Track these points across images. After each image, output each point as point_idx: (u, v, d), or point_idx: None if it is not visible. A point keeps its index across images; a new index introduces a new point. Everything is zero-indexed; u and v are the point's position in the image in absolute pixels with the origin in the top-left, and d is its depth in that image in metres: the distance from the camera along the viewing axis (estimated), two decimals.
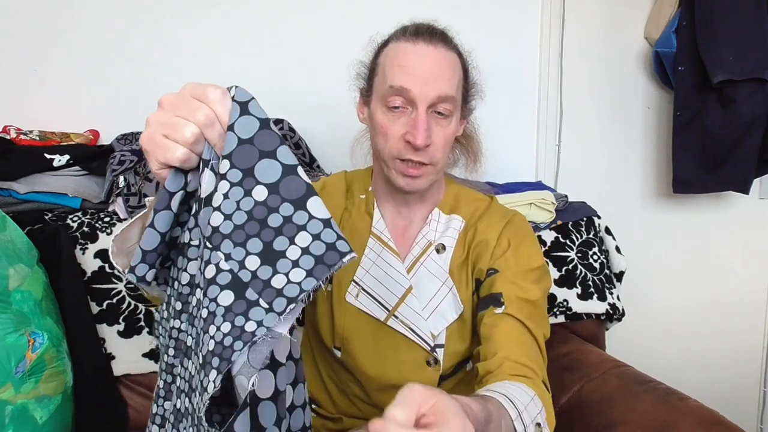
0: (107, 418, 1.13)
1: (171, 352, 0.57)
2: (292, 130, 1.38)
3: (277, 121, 1.36)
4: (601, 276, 1.44)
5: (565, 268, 1.42)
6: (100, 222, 1.22)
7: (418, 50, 0.83)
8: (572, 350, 1.30)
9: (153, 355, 1.18)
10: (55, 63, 1.38)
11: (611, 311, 1.42)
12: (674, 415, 0.96)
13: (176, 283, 0.56)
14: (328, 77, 1.51)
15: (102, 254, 1.19)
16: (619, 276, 1.51)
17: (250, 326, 0.45)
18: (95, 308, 1.17)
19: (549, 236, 1.44)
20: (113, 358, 1.16)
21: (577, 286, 1.41)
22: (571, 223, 1.46)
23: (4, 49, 1.35)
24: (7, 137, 1.27)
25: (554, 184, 1.67)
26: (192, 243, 0.53)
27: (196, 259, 0.53)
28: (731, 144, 1.51)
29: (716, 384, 1.81)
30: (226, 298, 0.46)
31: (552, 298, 1.40)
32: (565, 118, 1.67)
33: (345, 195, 0.97)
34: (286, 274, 0.46)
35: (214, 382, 0.44)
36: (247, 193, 0.47)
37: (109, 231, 1.21)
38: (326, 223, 0.48)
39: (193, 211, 0.53)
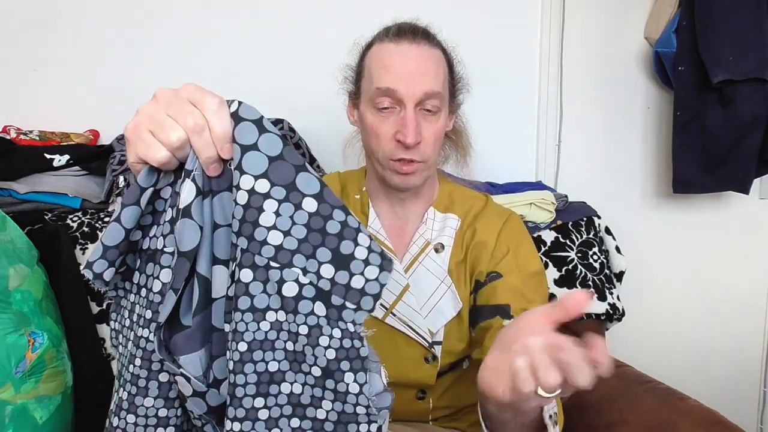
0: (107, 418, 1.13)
1: (138, 362, 0.52)
2: (292, 130, 1.38)
3: (277, 121, 1.36)
4: (601, 276, 1.44)
5: (565, 268, 1.42)
6: (100, 222, 1.22)
7: (401, 50, 0.84)
8: None
9: None
10: (55, 63, 1.38)
11: (611, 311, 1.42)
12: (674, 415, 0.96)
13: (143, 290, 0.53)
14: (328, 77, 1.51)
15: None
16: (619, 276, 1.51)
17: (351, 326, 0.49)
18: (95, 308, 1.17)
19: (549, 236, 1.44)
20: (113, 358, 1.17)
21: (577, 286, 1.41)
22: (571, 223, 1.46)
23: (4, 49, 1.35)
24: (7, 137, 1.27)
25: (554, 184, 1.67)
26: (166, 250, 0.51)
27: (169, 267, 0.51)
28: (731, 144, 1.51)
29: (716, 384, 1.81)
30: (321, 308, 0.49)
31: (552, 298, 1.40)
32: (565, 118, 1.67)
33: (340, 195, 0.98)
34: (362, 274, 0.49)
35: (359, 383, 0.49)
36: (298, 207, 0.48)
37: None
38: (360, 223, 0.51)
39: (169, 217, 0.51)
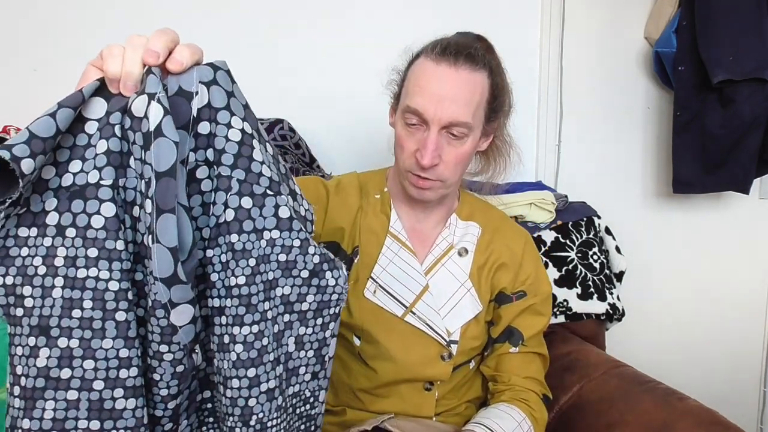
0: None
1: (87, 304, 0.51)
2: (292, 130, 1.38)
3: (277, 121, 1.36)
4: (601, 276, 1.44)
5: (565, 268, 1.42)
6: None
7: (438, 72, 0.85)
8: (572, 350, 1.30)
9: None
10: (55, 63, 1.38)
11: (611, 311, 1.42)
12: (674, 415, 0.96)
13: (71, 229, 0.51)
14: (329, 77, 1.52)
15: None
16: (619, 276, 1.51)
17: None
18: None
19: (549, 236, 1.44)
20: None
21: (577, 286, 1.41)
22: (571, 223, 1.46)
23: (4, 49, 1.35)
24: (7, 137, 1.27)
25: (554, 184, 1.67)
26: (103, 183, 0.51)
27: (111, 201, 0.51)
28: (731, 144, 1.51)
29: (716, 384, 1.81)
30: (304, 233, 0.59)
31: (552, 298, 1.40)
32: (565, 118, 1.67)
33: (359, 194, 1.00)
34: (302, 205, 0.61)
35: (335, 277, 0.63)
36: (265, 148, 0.57)
37: None
38: None
39: (104, 149, 0.52)
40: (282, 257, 0.58)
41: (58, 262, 0.51)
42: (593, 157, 1.72)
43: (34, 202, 0.52)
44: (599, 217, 1.51)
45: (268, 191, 0.56)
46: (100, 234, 0.51)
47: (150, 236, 0.50)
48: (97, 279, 0.51)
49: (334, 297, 0.63)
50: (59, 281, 0.51)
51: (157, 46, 0.50)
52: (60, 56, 1.38)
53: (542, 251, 1.42)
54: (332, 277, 0.62)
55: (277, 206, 0.56)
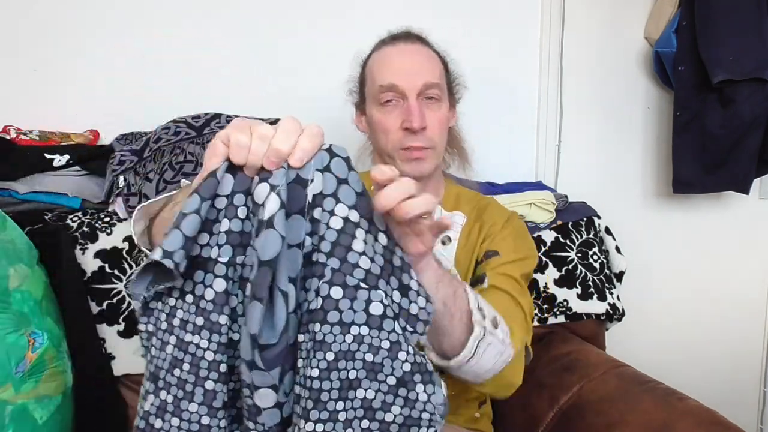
0: (107, 418, 1.13)
1: (186, 367, 0.55)
2: None
3: (277, 122, 1.37)
4: (601, 276, 1.44)
5: (565, 268, 1.42)
6: (100, 222, 1.22)
7: (398, 50, 0.93)
8: (572, 350, 1.29)
9: None
10: (55, 63, 1.38)
11: (611, 311, 1.42)
12: (674, 415, 0.96)
13: (189, 296, 0.56)
14: (329, 77, 1.51)
15: (102, 254, 1.19)
16: (619, 276, 1.51)
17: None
18: (95, 308, 1.17)
19: (549, 236, 1.44)
20: (113, 358, 1.17)
21: (577, 286, 1.41)
22: (571, 223, 1.46)
23: (4, 49, 1.35)
24: (7, 137, 1.27)
25: (554, 184, 1.67)
26: (220, 260, 0.55)
27: (223, 277, 0.55)
28: (731, 144, 1.51)
29: (716, 384, 1.81)
30: (399, 327, 0.56)
31: (552, 298, 1.40)
32: (565, 118, 1.67)
33: None
34: (416, 302, 0.57)
35: (427, 393, 0.57)
36: (376, 239, 0.56)
37: (109, 231, 1.21)
38: None
39: (225, 228, 0.55)
40: (368, 357, 0.55)
41: (175, 322, 0.56)
42: (593, 157, 1.72)
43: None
44: (599, 217, 1.51)
45: (362, 284, 0.54)
46: (208, 306, 0.55)
47: (242, 318, 0.54)
48: (197, 346, 0.55)
49: (425, 416, 0.56)
50: (173, 339, 0.56)
51: (283, 145, 0.52)
52: (60, 56, 1.38)
53: (542, 251, 1.42)
54: (424, 391, 0.56)
55: (369, 301, 0.54)
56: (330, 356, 0.53)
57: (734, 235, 1.82)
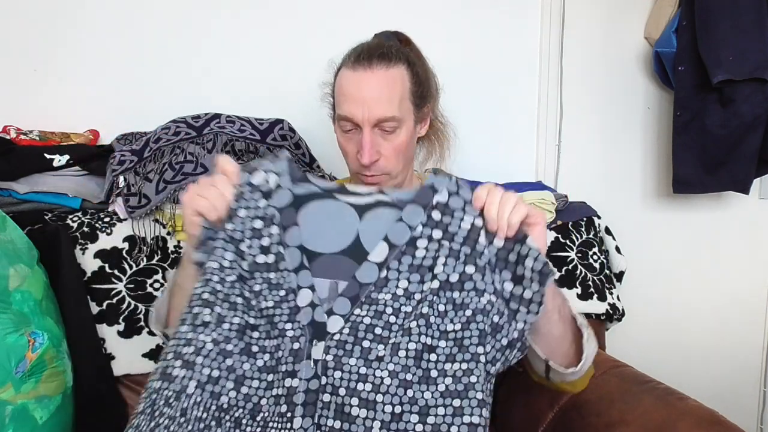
0: (107, 418, 1.13)
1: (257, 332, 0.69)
2: (292, 130, 1.38)
3: (277, 121, 1.36)
4: (601, 276, 1.44)
5: (565, 268, 1.42)
6: (100, 222, 1.22)
7: (356, 78, 0.92)
8: None
9: (153, 355, 1.18)
10: (55, 63, 1.38)
11: (611, 311, 1.42)
12: (674, 415, 0.96)
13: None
14: (329, 77, 1.51)
15: (102, 254, 1.19)
16: (619, 276, 1.51)
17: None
18: (95, 308, 1.17)
19: (549, 236, 1.43)
20: (113, 358, 1.16)
21: (577, 286, 1.41)
22: (571, 223, 1.46)
23: (4, 49, 1.35)
24: (7, 137, 1.27)
25: (554, 184, 1.67)
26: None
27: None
28: (731, 144, 1.51)
29: (716, 384, 1.81)
30: (512, 312, 0.71)
31: None
32: (565, 118, 1.67)
33: None
34: (529, 287, 0.71)
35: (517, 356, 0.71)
36: (491, 241, 0.74)
37: (109, 231, 1.21)
38: None
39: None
40: (495, 318, 0.68)
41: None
42: (593, 157, 1.72)
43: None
44: (599, 217, 1.51)
45: (488, 266, 0.69)
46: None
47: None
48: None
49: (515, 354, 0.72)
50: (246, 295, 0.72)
51: (514, 219, 0.71)
52: (60, 56, 1.38)
53: None
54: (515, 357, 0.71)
55: (493, 281, 0.69)
56: (468, 312, 0.68)
57: (734, 235, 1.82)
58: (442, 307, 0.67)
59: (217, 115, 1.32)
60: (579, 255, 1.43)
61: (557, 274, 0.78)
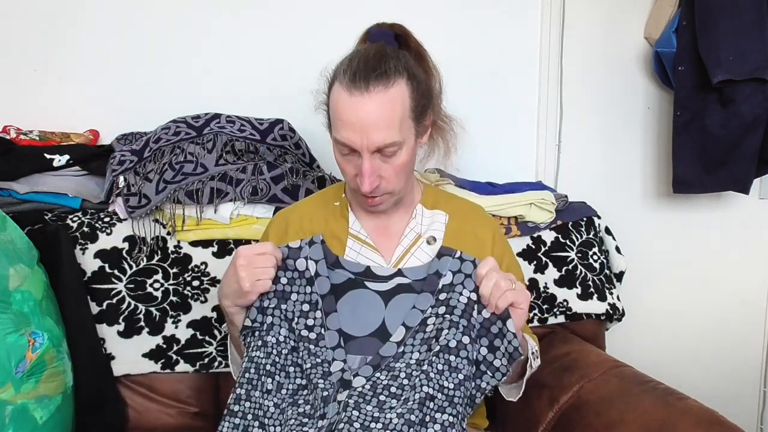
0: (107, 418, 1.13)
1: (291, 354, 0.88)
2: (292, 130, 1.38)
3: (277, 121, 1.36)
4: (601, 276, 1.44)
5: (565, 268, 1.42)
6: (100, 222, 1.22)
7: (353, 104, 0.85)
8: (572, 350, 1.29)
9: (153, 355, 1.18)
10: (55, 63, 1.38)
11: (611, 311, 1.42)
12: (674, 414, 0.96)
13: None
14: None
15: (102, 254, 1.19)
16: (619, 276, 1.51)
17: None
18: (95, 308, 1.17)
19: (549, 236, 1.44)
20: (113, 358, 1.17)
21: (577, 286, 1.41)
22: (571, 223, 1.46)
23: (4, 49, 1.35)
24: (7, 137, 1.27)
25: (554, 184, 1.67)
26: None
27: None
28: (731, 144, 1.51)
29: (716, 384, 1.81)
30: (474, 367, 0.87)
31: (552, 298, 1.40)
32: (565, 118, 1.67)
33: (323, 204, 1.06)
34: (510, 342, 0.86)
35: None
36: (480, 312, 0.87)
37: (109, 231, 1.21)
38: None
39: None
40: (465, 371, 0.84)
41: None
42: (593, 157, 1.72)
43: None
44: (599, 217, 1.51)
45: (476, 339, 0.84)
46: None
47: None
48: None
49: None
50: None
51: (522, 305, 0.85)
52: (60, 56, 1.38)
53: (542, 251, 1.42)
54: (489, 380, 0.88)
55: (480, 347, 0.85)
56: (461, 376, 0.82)
57: (734, 235, 1.82)
58: (440, 367, 0.82)
59: (217, 115, 1.32)
60: (579, 255, 1.43)
61: (523, 356, 0.86)
